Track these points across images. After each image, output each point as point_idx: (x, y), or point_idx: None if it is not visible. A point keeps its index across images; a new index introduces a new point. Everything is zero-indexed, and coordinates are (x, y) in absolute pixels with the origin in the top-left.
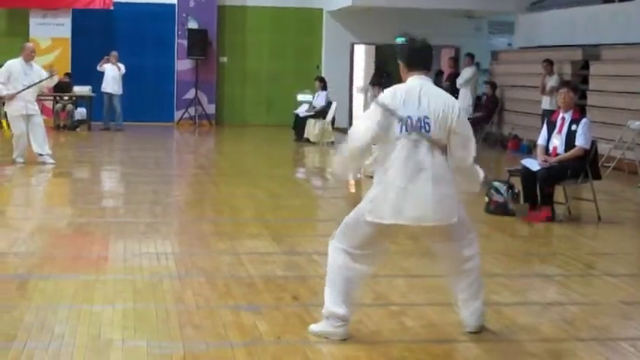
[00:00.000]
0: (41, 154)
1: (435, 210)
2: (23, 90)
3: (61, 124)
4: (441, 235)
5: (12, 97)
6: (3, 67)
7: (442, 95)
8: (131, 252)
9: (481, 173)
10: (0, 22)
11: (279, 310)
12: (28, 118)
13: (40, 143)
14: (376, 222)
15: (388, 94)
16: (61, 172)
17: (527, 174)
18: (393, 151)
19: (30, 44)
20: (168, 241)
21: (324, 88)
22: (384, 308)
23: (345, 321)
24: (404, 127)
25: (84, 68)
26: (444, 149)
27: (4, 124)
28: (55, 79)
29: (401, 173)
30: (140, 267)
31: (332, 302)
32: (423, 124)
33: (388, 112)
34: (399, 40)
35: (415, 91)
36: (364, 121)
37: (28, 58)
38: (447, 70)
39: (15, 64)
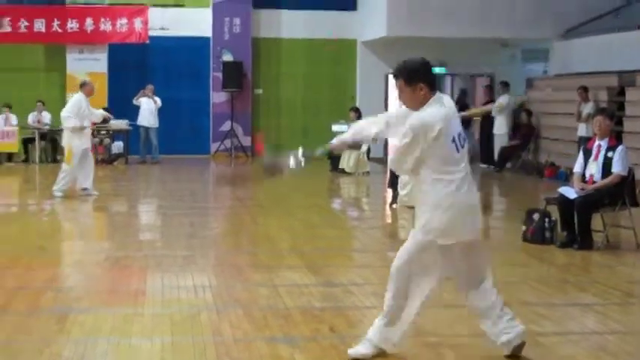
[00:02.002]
0: (86, 188)
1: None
2: (88, 126)
3: (98, 158)
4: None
5: (82, 129)
6: (73, 101)
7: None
8: (169, 285)
9: None
10: (38, 58)
11: (315, 342)
12: (83, 152)
13: (90, 177)
14: (449, 243)
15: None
16: (98, 206)
17: (564, 202)
18: (457, 171)
19: (90, 81)
20: (205, 274)
21: (359, 118)
22: (420, 339)
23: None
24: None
25: (120, 102)
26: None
27: (69, 154)
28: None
29: (469, 191)
30: (178, 300)
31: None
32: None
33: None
34: (437, 70)
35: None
36: None
37: (89, 95)
38: (482, 98)
39: (81, 99)
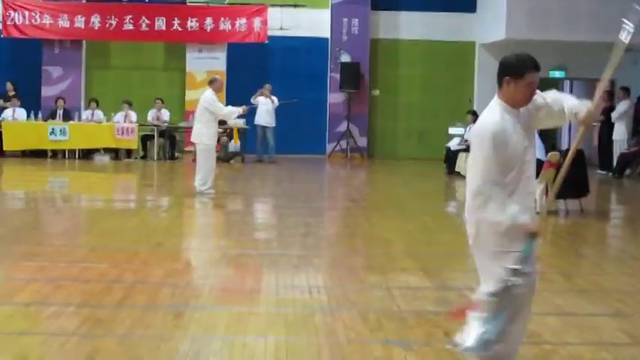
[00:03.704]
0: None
1: None
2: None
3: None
4: None
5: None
6: (210, 96)
7: None
8: (283, 284)
9: None
10: (158, 56)
11: (430, 346)
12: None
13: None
14: None
15: None
16: (215, 204)
17: None
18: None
19: (219, 77)
20: (319, 274)
21: (476, 121)
22: (536, 347)
23: None
24: None
25: (238, 101)
26: None
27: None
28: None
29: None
30: (292, 299)
31: None
32: None
33: None
34: (556, 74)
35: None
36: None
37: (218, 91)
38: (601, 103)
39: (213, 95)
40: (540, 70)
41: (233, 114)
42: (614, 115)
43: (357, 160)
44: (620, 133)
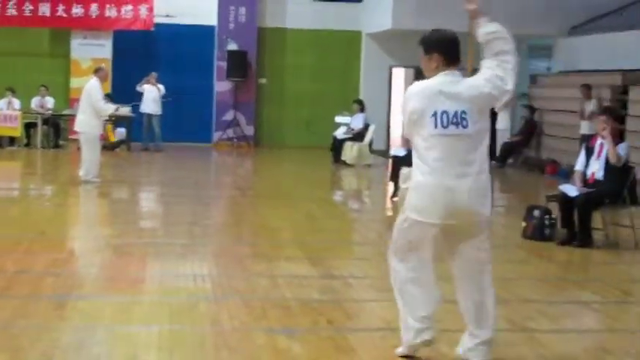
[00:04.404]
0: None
1: (476, 202)
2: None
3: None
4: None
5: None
6: (94, 87)
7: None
8: (168, 273)
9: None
10: (42, 43)
11: (314, 334)
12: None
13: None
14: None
15: None
16: (100, 193)
17: (565, 199)
18: (434, 147)
19: (105, 67)
20: (205, 263)
21: (362, 110)
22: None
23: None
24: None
25: (124, 89)
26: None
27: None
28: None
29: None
30: (177, 288)
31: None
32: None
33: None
34: None
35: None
36: None
37: (104, 80)
38: None
39: (97, 85)
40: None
41: (107, 110)
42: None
43: (243, 148)
44: (503, 122)
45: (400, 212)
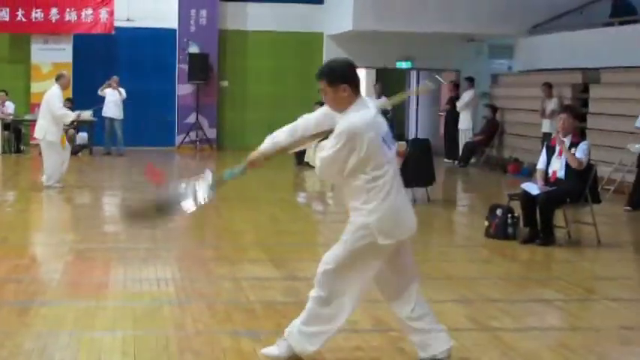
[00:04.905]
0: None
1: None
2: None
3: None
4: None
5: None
6: (56, 94)
7: None
8: (131, 278)
9: None
10: (2, 48)
11: (278, 336)
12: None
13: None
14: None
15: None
16: (63, 198)
17: (527, 198)
18: (387, 172)
19: (67, 73)
20: (168, 267)
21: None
22: (383, 334)
23: None
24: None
25: (85, 93)
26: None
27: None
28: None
29: (399, 189)
30: (140, 293)
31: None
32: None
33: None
34: (403, 65)
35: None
36: None
37: (65, 88)
38: (447, 93)
39: (59, 92)
40: (322, 78)
41: (67, 117)
42: (459, 104)
43: (206, 151)
44: (465, 122)
45: (349, 237)
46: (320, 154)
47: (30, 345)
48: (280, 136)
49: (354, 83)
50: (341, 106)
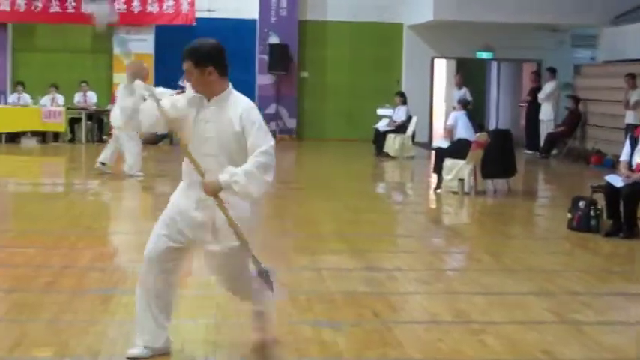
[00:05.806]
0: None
1: None
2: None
3: (142, 139)
4: None
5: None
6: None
7: None
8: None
9: None
10: (85, 39)
11: (359, 327)
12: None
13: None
14: None
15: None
16: (144, 187)
17: (610, 190)
18: None
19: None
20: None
21: (404, 102)
22: (464, 326)
23: None
24: None
25: (166, 83)
26: None
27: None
28: None
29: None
30: None
31: None
32: None
33: None
34: (484, 55)
35: None
36: None
37: (145, 81)
38: (528, 84)
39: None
40: (187, 58)
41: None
42: (540, 95)
43: (286, 141)
44: (547, 113)
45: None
46: (264, 148)
47: (113, 332)
48: (165, 94)
49: (220, 66)
50: (207, 89)
